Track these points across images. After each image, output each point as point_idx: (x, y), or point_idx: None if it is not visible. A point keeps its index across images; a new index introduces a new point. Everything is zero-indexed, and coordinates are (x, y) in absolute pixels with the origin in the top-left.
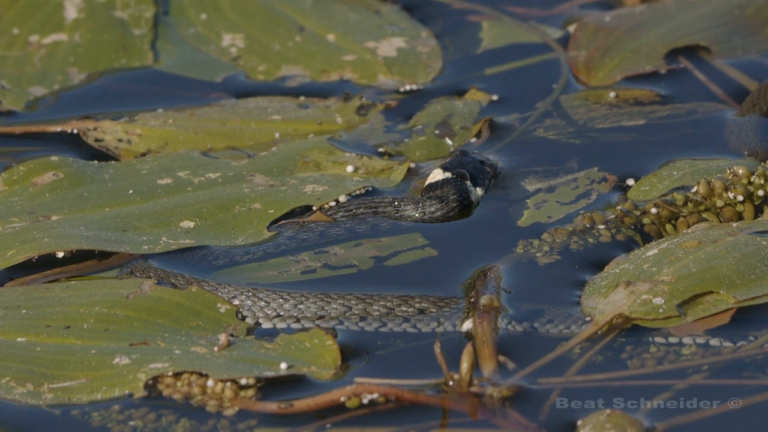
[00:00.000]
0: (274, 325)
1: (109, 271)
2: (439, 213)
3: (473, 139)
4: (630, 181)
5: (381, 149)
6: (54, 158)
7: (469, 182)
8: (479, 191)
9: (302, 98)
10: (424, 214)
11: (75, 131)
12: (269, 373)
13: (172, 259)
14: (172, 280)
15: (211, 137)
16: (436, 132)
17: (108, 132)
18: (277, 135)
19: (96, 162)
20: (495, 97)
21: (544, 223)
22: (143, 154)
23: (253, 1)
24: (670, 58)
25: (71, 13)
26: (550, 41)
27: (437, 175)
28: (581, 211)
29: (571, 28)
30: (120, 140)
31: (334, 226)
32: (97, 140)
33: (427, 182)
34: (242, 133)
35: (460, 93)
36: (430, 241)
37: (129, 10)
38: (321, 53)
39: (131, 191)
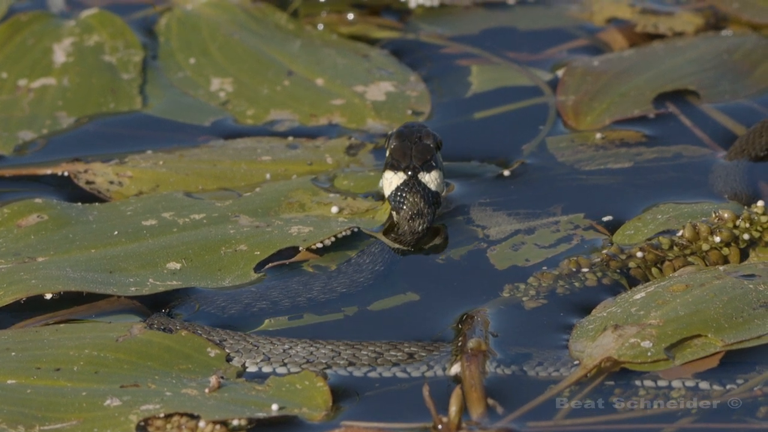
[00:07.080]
0: (260, 368)
1: (100, 318)
2: (421, 227)
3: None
4: (607, 217)
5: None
6: (38, 200)
7: (423, 173)
8: (435, 175)
9: (291, 138)
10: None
11: (65, 174)
12: (261, 414)
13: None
14: (170, 326)
15: (202, 179)
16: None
17: (99, 174)
18: (267, 176)
19: (80, 204)
20: (507, 173)
21: (522, 266)
22: (135, 197)
23: (242, 45)
24: (658, 102)
25: (60, 57)
26: (540, 84)
27: (393, 180)
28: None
29: (560, 73)
30: (111, 182)
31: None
32: (88, 183)
33: (386, 192)
34: (233, 174)
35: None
36: (410, 285)
37: (118, 54)
38: (309, 97)
39: (116, 232)
